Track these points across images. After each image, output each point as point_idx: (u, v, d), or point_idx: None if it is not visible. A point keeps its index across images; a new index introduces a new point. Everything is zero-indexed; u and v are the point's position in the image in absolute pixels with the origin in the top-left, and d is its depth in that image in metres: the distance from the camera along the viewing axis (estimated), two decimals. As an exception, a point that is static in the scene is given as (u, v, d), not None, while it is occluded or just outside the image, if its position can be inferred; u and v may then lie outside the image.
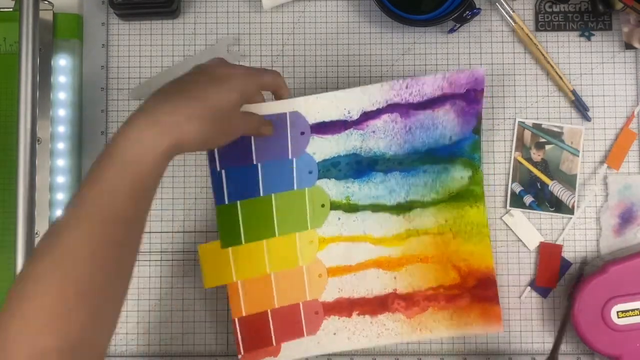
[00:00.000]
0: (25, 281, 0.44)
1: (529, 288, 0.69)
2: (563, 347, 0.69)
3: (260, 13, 0.71)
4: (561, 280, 0.69)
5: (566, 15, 0.71)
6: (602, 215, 0.69)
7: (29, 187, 0.62)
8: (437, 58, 0.71)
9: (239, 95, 0.51)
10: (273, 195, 0.65)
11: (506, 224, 0.70)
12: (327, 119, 0.65)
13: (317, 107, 0.64)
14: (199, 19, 0.71)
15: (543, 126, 0.70)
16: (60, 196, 0.68)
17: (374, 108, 0.65)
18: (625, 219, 0.69)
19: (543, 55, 0.70)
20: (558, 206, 0.69)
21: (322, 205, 0.66)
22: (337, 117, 0.65)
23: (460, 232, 0.66)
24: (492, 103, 0.71)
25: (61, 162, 0.69)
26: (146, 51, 0.71)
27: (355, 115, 0.65)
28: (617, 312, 0.64)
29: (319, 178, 0.66)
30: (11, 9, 0.69)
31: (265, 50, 0.71)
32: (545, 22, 0.71)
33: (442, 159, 0.66)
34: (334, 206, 0.66)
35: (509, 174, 0.70)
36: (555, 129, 0.70)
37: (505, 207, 0.70)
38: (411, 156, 0.66)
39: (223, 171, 0.64)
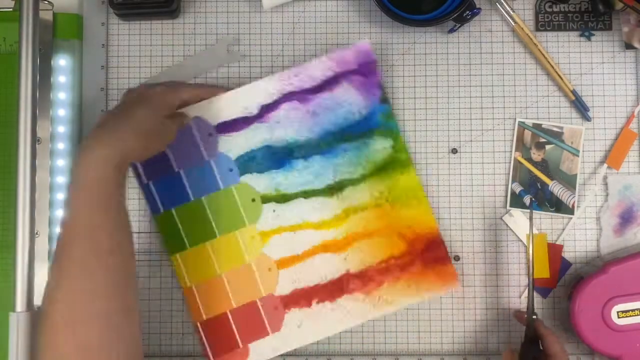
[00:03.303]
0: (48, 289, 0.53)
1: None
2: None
3: (260, 13, 0.71)
4: (561, 280, 0.69)
5: (566, 15, 0.71)
6: (602, 215, 0.69)
7: (29, 187, 0.62)
8: (437, 58, 0.71)
9: (160, 111, 0.60)
10: (203, 198, 0.68)
11: (506, 224, 0.70)
12: (228, 118, 0.68)
13: (214, 109, 0.68)
14: (199, 19, 0.71)
15: (543, 126, 0.70)
16: (60, 196, 0.68)
17: (270, 100, 0.68)
18: (626, 219, 0.69)
19: (543, 55, 0.70)
20: (558, 206, 0.69)
21: (253, 200, 0.68)
22: (236, 115, 0.68)
23: (396, 201, 0.68)
24: (492, 103, 0.71)
25: (61, 162, 0.69)
26: (146, 51, 0.71)
27: (254, 110, 0.68)
28: (617, 312, 0.64)
29: (241, 174, 0.68)
30: (11, 9, 0.69)
31: (265, 50, 0.71)
32: (545, 22, 0.71)
33: (358, 134, 0.68)
34: (265, 199, 0.68)
35: (509, 173, 0.70)
36: (556, 129, 0.70)
37: (505, 207, 0.70)
38: (325, 138, 0.68)
39: (150, 182, 0.68)
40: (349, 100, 0.68)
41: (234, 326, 0.67)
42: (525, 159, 0.70)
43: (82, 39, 0.71)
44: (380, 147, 0.68)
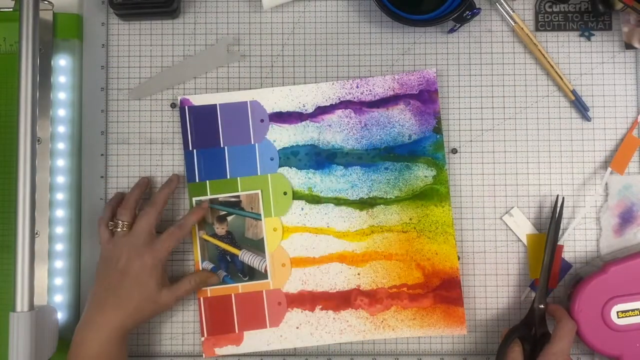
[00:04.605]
0: None
1: (529, 288, 0.69)
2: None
3: (260, 13, 0.71)
4: (561, 280, 0.69)
5: (566, 15, 0.71)
6: (602, 215, 0.69)
7: (29, 187, 0.62)
8: (437, 58, 0.71)
9: (154, 281, 0.63)
10: (239, 178, 0.69)
11: (506, 224, 0.70)
12: (283, 110, 0.69)
13: (274, 98, 0.69)
14: (199, 19, 0.71)
15: (220, 199, 0.69)
16: (60, 196, 0.68)
17: (327, 103, 0.69)
18: (625, 219, 0.69)
19: (543, 55, 0.70)
20: (251, 274, 0.68)
21: (285, 193, 0.69)
22: (293, 108, 0.69)
23: (424, 231, 0.68)
24: (492, 103, 0.71)
25: (61, 162, 0.69)
26: (146, 51, 0.71)
27: (310, 109, 0.69)
28: (617, 312, 0.64)
29: (280, 166, 0.69)
30: (11, 9, 0.69)
31: (265, 50, 0.71)
32: (545, 22, 0.71)
33: (403, 157, 0.69)
34: (297, 196, 0.69)
35: (198, 252, 0.69)
36: (233, 199, 0.69)
37: (505, 207, 0.70)
38: (370, 152, 0.69)
39: (195, 151, 0.69)
40: (402, 122, 0.69)
41: (235, 310, 0.68)
42: (210, 236, 0.69)
43: (82, 39, 0.71)
44: (422, 174, 0.69)
